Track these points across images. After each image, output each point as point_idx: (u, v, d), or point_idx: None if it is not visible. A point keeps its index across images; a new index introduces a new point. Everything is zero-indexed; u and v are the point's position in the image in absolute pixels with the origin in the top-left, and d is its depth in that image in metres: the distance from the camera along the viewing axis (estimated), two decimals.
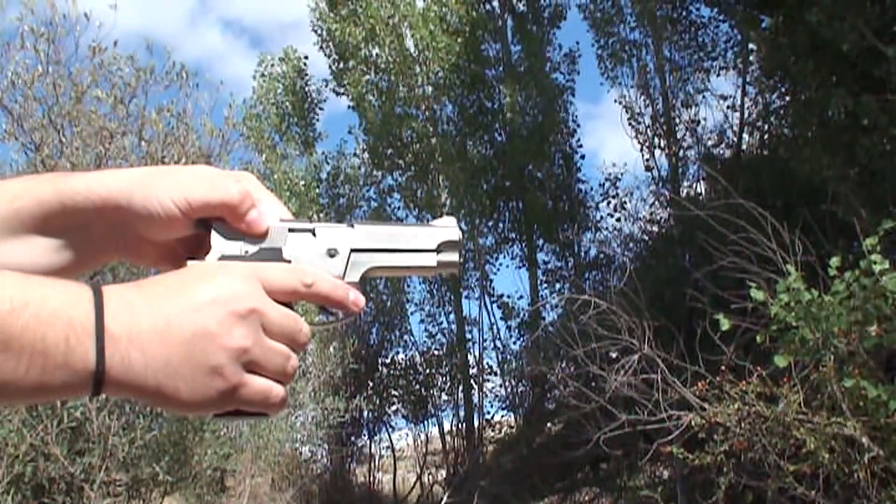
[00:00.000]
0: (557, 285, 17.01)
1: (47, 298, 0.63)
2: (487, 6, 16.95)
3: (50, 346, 0.62)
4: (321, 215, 15.37)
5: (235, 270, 0.73)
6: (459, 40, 15.90)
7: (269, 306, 0.72)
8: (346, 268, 0.82)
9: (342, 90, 17.23)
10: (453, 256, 0.86)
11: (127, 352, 0.65)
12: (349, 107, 17.09)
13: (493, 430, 16.79)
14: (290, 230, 0.81)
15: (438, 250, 0.85)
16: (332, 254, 0.82)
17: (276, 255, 0.80)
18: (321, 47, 17.40)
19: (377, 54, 16.51)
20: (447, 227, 0.86)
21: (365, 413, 16.45)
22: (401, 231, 0.85)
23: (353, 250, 0.83)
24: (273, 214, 0.82)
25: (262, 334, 0.71)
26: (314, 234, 0.82)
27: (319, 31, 17.30)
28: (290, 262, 0.80)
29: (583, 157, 17.13)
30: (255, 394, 0.71)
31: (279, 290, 0.75)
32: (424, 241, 0.85)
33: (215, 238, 0.80)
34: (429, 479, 16.86)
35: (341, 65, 17.11)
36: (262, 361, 0.71)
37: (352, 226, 0.84)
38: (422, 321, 17.70)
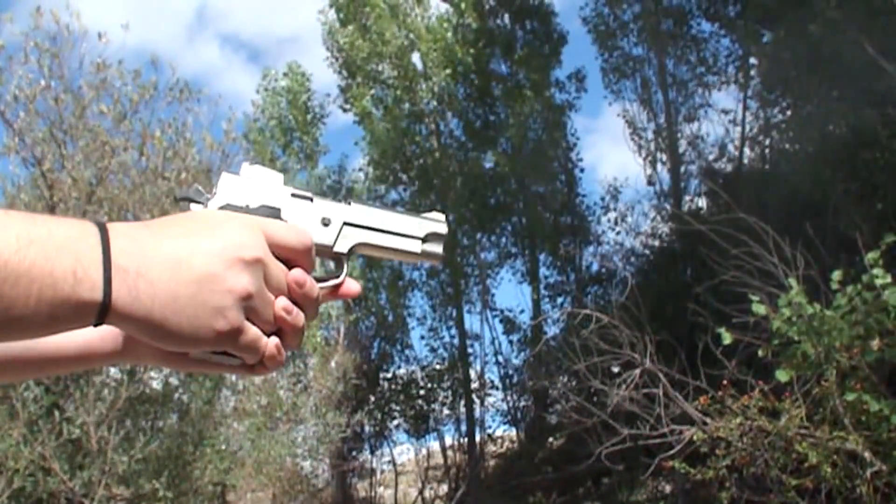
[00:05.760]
0: (559, 299, 17.05)
1: (52, 235, 0.64)
2: (499, 21, 17.03)
3: (58, 280, 0.63)
4: None
5: (244, 220, 0.77)
6: (472, 51, 15.96)
7: (270, 259, 0.76)
8: (336, 237, 0.88)
9: (348, 107, 17.30)
10: (438, 248, 0.93)
11: (135, 283, 0.67)
12: (354, 122, 17.17)
13: (494, 445, 16.76)
14: (293, 195, 0.87)
15: (425, 239, 0.92)
16: (325, 223, 0.88)
17: (275, 213, 0.85)
18: (330, 64, 17.49)
19: (383, 69, 16.59)
20: (436, 221, 0.93)
21: (366, 428, 16.47)
22: (393, 216, 0.92)
23: (345, 223, 0.89)
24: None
25: (263, 284, 0.75)
26: (312, 202, 0.88)
27: (329, 46, 17.39)
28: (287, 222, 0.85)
29: (582, 170, 17.21)
30: (250, 340, 0.75)
31: (279, 245, 0.78)
32: (413, 228, 0.92)
33: (222, 187, 0.84)
34: (430, 494, 16.82)
35: (349, 80, 17.18)
36: (258, 310, 0.75)
37: (349, 203, 0.90)
38: (422, 337, 17.71)
